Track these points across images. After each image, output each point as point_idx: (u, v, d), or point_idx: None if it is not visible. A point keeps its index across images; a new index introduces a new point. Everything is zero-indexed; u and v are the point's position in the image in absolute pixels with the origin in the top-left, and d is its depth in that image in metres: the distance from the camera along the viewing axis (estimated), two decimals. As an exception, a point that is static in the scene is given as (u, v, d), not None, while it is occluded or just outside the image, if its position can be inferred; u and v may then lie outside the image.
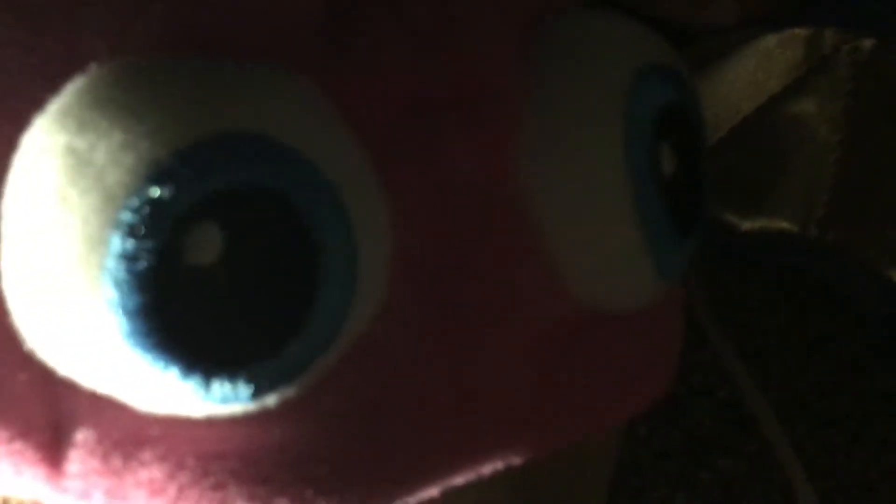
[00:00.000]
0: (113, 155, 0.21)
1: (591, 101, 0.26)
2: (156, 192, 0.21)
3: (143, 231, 0.21)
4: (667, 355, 0.29)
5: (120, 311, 0.21)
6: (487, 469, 0.25)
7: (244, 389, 0.22)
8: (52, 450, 0.23)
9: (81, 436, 0.23)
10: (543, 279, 0.26)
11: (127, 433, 0.23)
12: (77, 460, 0.23)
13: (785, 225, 0.38)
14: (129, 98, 0.22)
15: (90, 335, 0.22)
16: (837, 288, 0.40)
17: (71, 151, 0.22)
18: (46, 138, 0.22)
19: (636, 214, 0.26)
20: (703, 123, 0.28)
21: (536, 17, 0.27)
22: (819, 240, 0.37)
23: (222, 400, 0.22)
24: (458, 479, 0.25)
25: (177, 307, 0.22)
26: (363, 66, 0.24)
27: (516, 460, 0.25)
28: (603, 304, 0.27)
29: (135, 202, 0.21)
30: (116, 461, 0.23)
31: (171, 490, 0.23)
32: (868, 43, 0.37)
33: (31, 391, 0.23)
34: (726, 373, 0.41)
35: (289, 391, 0.23)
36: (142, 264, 0.21)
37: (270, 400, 0.23)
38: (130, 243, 0.21)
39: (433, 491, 0.25)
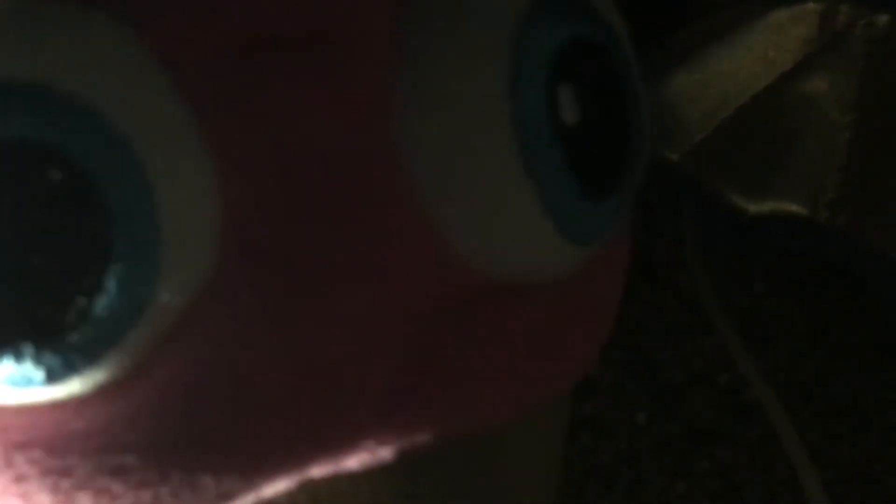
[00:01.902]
0: None
1: (471, 41, 0.23)
2: None
3: None
4: (588, 331, 0.26)
5: None
6: (353, 462, 0.23)
7: (34, 370, 0.21)
8: None
9: None
10: (420, 242, 0.23)
11: None
12: None
13: (794, 207, 0.37)
14: None
15: None
16: (847, 272, 0.39)
17: None
18: None
19: (526, 168, 0.23)
20: (626, 62, 0.25)
21: None
22: (829, 223, 0.36)
23: (13, 382, 0.21)
24: (315, 471, 0.23)
25: None
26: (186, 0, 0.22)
27: (386, 452, 0.23)
28: (499, 271, 0.24)
29: None
30: None
31: None
32: (883, 19, 0.36)
33: None
34: (727, 359, 0.41)
35: (97, 374, 0.21)
36: None
37: (77, 385, 0.21)
38: None
39: (282, 485, 0.23)
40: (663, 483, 0.41)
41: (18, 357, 0.21)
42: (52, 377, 0.21)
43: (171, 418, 0.22)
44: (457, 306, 0.23)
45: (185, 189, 0.21)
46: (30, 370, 0.21)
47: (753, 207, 0.37)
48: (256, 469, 0.22)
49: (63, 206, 0.20)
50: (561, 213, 0.23)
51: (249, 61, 0.22)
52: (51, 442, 0.22)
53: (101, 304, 0.21)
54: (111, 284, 0.21)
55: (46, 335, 0.21)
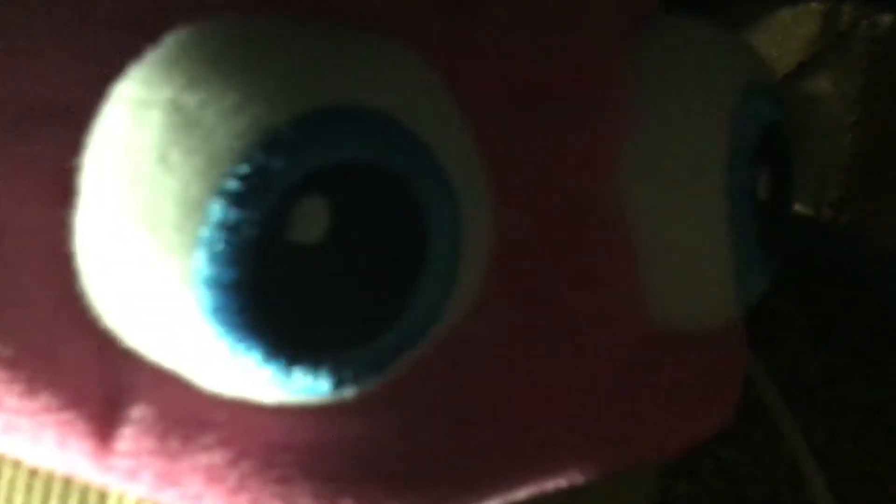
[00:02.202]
0: (224, 116, 0.20)
1: (699, 116, 0.25)
2: (266, 159, 0.20)
3: (247, 200, 0.20)
4: (734, 378, 0.28)
5: (210, 285, 0.20)
6: (552, 485, 0.24)
7: (326, 380, 0.21)
8: (103, 424, 0.22)
9: (138, 412, 0.22)
10: (630, 295, 0.25)
11: (189, 414, 0.22)
12: (130, 438, 0.22)
13: (798, 207, 0.37)
14: (247, 57, 0.20)
15: (172, 307, 0.20)
16: (851, 271, 0.39)
17: (177, 108, 0.20)
18: (148, 91, 0.20)
19: (731, 239, 0.25)
20: (795, 147, 0.27)
21: (640, 18, 0.25)
22: (833, 222, 0.36)
23: (301, 389, 0.21)
24: (522, 494, 0.24)
25: (272, 285, 0.20)
26: (481, 46, 0.23)
27: (582, 478, 0.24)
28: (681, 324, 0.26)
29: (242, 168, 0.20)
30: (174, 442, 0.22)
31: (231, 478, 0.22)
32: (887, 19, 0.36)
33: (86, 359, 0.22)
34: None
35: (370, 384, 0.22)
36: (242, 236, 0.20)
37: (348, 392, 0.22)
38: (233, 212, 0.20)
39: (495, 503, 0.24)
40: (666, 483, 0.41)
41: (316, 367, 0.21)
42: (338, 388, 0.21)
43: (427, 431, 0.23)
44: (643, 353, 0.25)
45: (477, 221, 0.22)
46: (322, 380, 0.21)
47: (757, 207, 0.37)
48: (487, 488, 0.23)
49: (389, 230, 0.21)
50: (746, 280, 0.26)
51: (526, 106, 0.23)
52: (315, 445, 0.22)
53: (401, 323, 0.21)
54: (415, 306, 0.21)
55: (347, 349, 0.21)
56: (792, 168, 0.27)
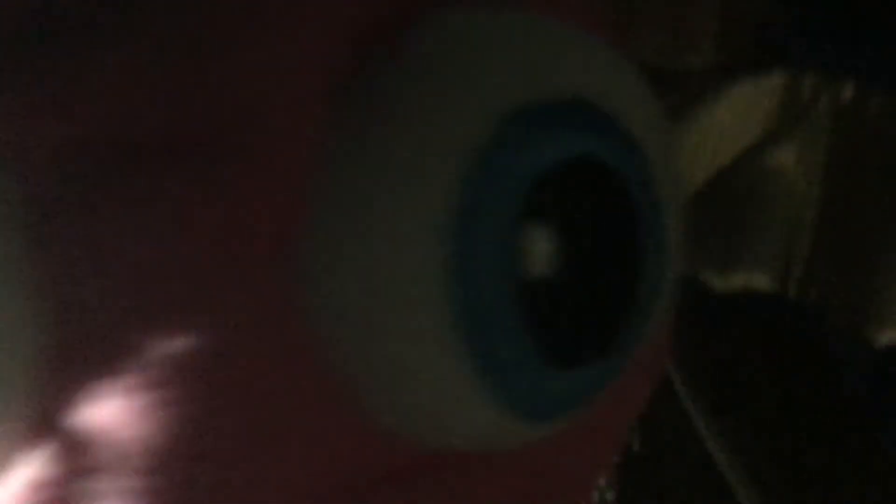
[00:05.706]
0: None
1: (416, 161, 0.18)
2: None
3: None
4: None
5: None
6: None
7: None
8: None
9: None
10: (329, 409, 0.19)
11: None
12: None
13: (763, 283, 0.36)
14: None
15: None
16: (818, 349, 0.38)
17: None
18: None
19: (464, 331, 0.19)
20: (647, 188, 0.20)
21: (382, 25, 0.19)
22: (799, 299, 0.36)
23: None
24: None
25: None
26: (35, 96, 0.18)
27: None
28: (435, 443, 0.20)
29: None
30: None
31: None
32: (848, 91, 0.36)
33: None
34: (696, 431, 0.40)
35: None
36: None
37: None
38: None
39: None
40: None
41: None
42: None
43: None
44: (393, 477, 0.20)
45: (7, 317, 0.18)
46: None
47: (721, 284, 0.37)
48: None
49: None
50: (507, 385, 0.19)
51: (142, 165, 0.18)
52: None
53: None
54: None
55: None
56: (614, 215, 0.20)
